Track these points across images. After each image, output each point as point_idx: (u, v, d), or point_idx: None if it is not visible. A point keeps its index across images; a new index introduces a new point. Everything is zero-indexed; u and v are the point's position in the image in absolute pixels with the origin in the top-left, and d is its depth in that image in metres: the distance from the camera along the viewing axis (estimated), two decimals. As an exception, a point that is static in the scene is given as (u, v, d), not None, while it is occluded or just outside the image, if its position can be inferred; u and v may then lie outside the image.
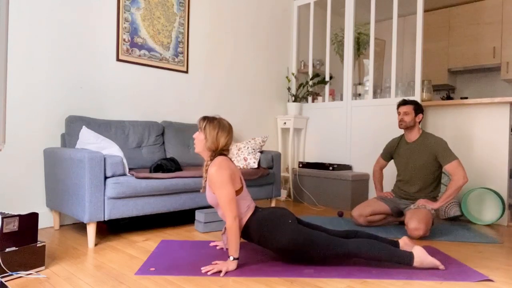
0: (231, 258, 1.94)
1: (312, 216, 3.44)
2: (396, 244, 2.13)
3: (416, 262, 1.96)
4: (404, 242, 2.13)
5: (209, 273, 1.89)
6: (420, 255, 1.97)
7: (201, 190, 2.20)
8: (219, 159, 2.01)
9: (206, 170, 2.06)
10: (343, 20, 4.41)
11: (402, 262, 1.96)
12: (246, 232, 2.06)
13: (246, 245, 2.37)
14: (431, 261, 1.97)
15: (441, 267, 1.99)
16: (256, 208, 2.12)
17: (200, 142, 2.06)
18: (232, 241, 1.92)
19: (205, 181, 2.08)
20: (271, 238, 1.98)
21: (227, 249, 2.17)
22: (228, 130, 2.07)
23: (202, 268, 1.94)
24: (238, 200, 2.02)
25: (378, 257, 1.95)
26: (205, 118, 2.07)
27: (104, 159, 2.39)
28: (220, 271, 1.89)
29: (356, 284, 1.80)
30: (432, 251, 2.36)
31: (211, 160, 2.04)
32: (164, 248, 2.33)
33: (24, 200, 2.74)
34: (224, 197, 1.93)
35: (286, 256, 2.00)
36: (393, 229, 2.98)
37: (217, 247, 2.33)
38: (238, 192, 2.02)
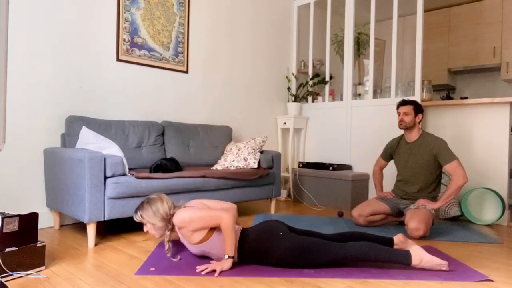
0: (226, 256, 1.93)
1: (312, 216, 3.44)
2: (390, 241, 2.13)
3: (415, 260, 1.94)
4: (398, 240, 2.13)
5: (203, 272, 1.88)
6: (419, 253, 1.95)
7: (175, 260, 2.10)
8: (178, 211, 2.01)
9: (170, 235, 2.05)
10: (343, 20, 4.40)
11: (400, 262, 1.95)
12: (239, 255, 2.01)
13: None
14: (431, 258, 1.95)
15: (444, 265, 1.96)
16: (243, 229, 2.09)
17: (154, 229, 2.04)
18: (228, 240, 1.91)
19: (168, 249, 2.05)
20: (267, 254, 1.97)
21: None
22: (159, 197, 2.06)
23: (197, 267, 1.93)
24: (218, 235, 1.98)
25: (376, 259, 1.94)
26: (136, 211, 2.06)
27: (104, 159, 2.39)
28: (214, 271, 1.88)
29: (356, 284, 1.80)
30: (432, 251, 2.35)
31: (172, 224, 2.04)
32: (164, 248, 2.33)
33: (24, 200, 2.74)
34: (205, 219, 1.91)
35: (285, 267, 1.98)
36: (393, 229, 2.98)
37: None
38: (213, 228, 1.97)
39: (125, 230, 2.78)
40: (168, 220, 2.03)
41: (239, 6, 4.17)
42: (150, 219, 2.02)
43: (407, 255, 1.95)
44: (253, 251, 1.99)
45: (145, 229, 2.07)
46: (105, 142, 2.58)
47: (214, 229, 1.98)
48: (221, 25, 4.00)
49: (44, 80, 2.82)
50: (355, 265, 2.04)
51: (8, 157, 2.67)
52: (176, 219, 1.97)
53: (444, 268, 1.96)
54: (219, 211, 1.95)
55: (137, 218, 2.06)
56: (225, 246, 1.93)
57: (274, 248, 1.96)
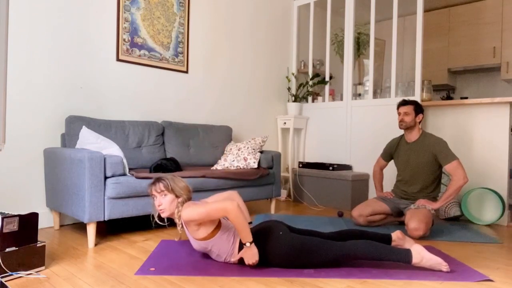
0: (248, 244, 1.90)
1: (312, 216, 3.44)
2: (389, 237, 2.13)
3: (416, 259, 1.93)
4: (396, 236, 2.13)
5: (250, 265, 1.93)
6: (419, 252, 1.95)
7: (176, 238, 2.12)
8: (186, 205, 1.97)
9: (179, 217, 1.97)
10: (343, 20, 4.40)
11: (400, 260, 1.94)
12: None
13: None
14: (431, 257, 1.95)
15: (445, 266, 1.95)
16: None
17: (172, 203, 1.96)
18: (240, 226, 1.88)
19: (181, 227, 1.99)
20: (267, 254, 1.96)
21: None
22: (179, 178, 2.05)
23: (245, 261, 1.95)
24: (222, 235, 1.97)
25: (377, 257, 1.94)
26: (160, 181, 1.97)
27: (104, 159, 2.39)
28: (252, 262, 1.93)
29: (356, 284, 1.80)
30: (432, 251, 2.35)
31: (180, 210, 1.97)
32: (164, 248, 2.33)
33: (24, 200, 2.74)
34: (212, 211, 1.87)
35: (285, 267, 1.98)
36: (393, 229, 2.96)
37: None
38: (218, 227, 1.97)
39: (125, 230, 2.78)
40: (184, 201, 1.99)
41: (239, 6, 4.17)
42: (178, 191, 1.96)
43: (407, 253, 1.95)
44: None
45: (158, 201, 1.96)
46: (105, 142, 2.58)
47: (218, 228, 1.97)
48: (221, 25, 4.00)
49: (44, 80, 2.82)
50: (355, 264, 2.04)
51: (8, 157, 2.67)
52: (184, 214, 1.91)
53: (444, 269, 1.95)
54: (223, 201, 1.90)
55: (161, 188, 1.95)
56: (240, 234, 1.90)
57: (274, 248, 1.95)
